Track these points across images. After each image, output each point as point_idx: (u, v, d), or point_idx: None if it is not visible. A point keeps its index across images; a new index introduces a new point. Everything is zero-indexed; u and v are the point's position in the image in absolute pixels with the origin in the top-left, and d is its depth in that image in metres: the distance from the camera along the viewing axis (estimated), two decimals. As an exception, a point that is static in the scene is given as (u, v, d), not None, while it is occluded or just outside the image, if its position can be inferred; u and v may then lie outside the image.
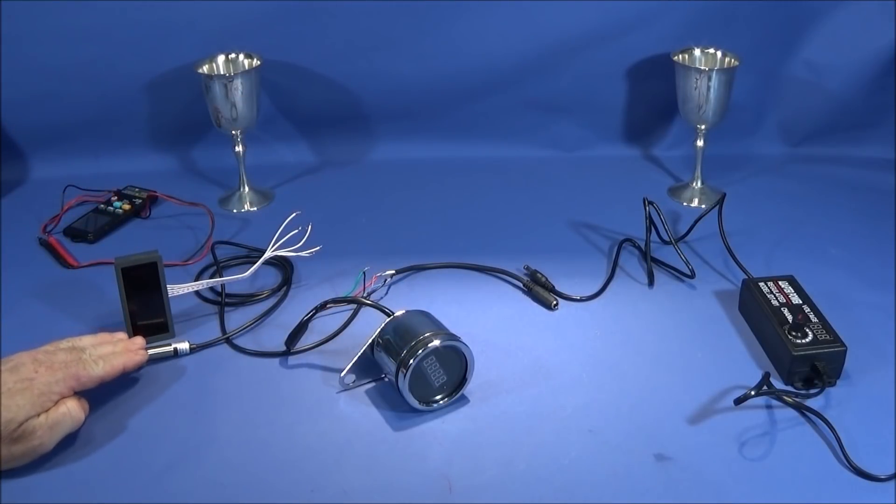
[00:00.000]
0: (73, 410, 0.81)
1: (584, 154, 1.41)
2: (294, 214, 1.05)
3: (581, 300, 1.05)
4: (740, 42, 1.26)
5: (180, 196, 1.24)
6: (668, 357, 0.95)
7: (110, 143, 1.35)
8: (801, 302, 0.96)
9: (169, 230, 1.20)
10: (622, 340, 0.98)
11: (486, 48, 1.32)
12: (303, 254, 1.02)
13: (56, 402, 0.79)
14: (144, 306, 0.95)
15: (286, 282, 1.07)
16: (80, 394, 0.82)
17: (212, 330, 0.99)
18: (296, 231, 1.03)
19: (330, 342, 0.97)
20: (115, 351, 0.87)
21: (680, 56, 1.25)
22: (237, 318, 1.01)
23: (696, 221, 1.14)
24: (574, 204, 1.26)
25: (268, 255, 1.02)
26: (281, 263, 1.10)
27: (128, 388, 0.90)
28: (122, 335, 0.91)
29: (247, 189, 1.27)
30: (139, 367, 0.90)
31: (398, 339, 0.86)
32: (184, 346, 0.94)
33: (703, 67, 1.25)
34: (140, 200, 1.24)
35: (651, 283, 1.08)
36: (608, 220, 1.21)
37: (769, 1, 1.30)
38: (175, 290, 0.96)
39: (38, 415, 0.78)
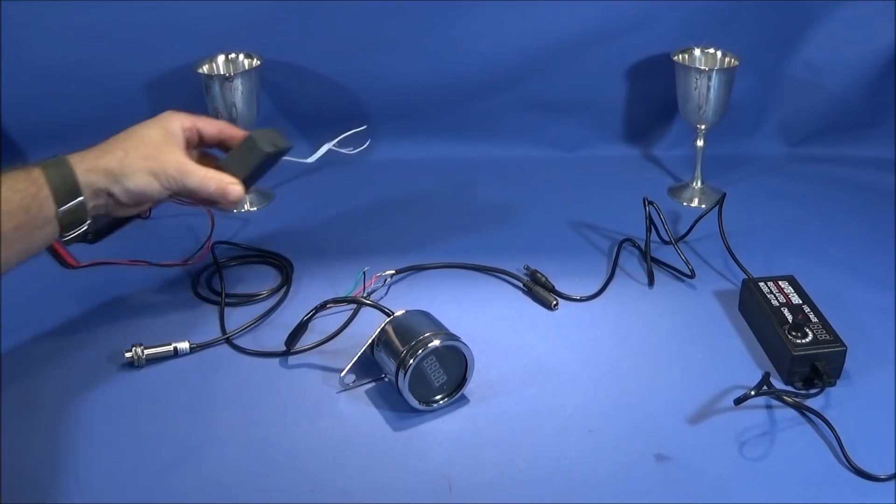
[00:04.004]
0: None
1: (584, 154, 1.41)
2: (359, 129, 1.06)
3: (581, 300, 1.05)
4: (740, 42, 1.26)
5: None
6: (668, 357, 0.95)
7: (110, 144, 1.35)
8: (801, 302, 0.96)
9: (169, 230, 1.20)
10: (622, 340, 0.98)
11: (486, 48, 1.32)
12: (345, 151, 1.04)
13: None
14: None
15: (286, 282, 1.07)
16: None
17: (212, 330, 0.99)
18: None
19: (330, 342, 0.97)
20: None
21: (680, 56, 1.25)
22: (237, 318, 1.01)
23: (696, 221, 1.14)
24: (574, 204, 1.26)
25: (327, 147, 1.04)
26: (281, 263, 1.10)
27: (128, 387, 0.90)
28: None
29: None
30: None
31: (398, 339, 0.86)
32: (184, 345, 0.94)
33: (703, 67, 1.25)
34: (140, 200, 1.23)
35: (651, 283, 1.08)
36: (608, 220, 1.21)
37: (769, 1, 1.30)
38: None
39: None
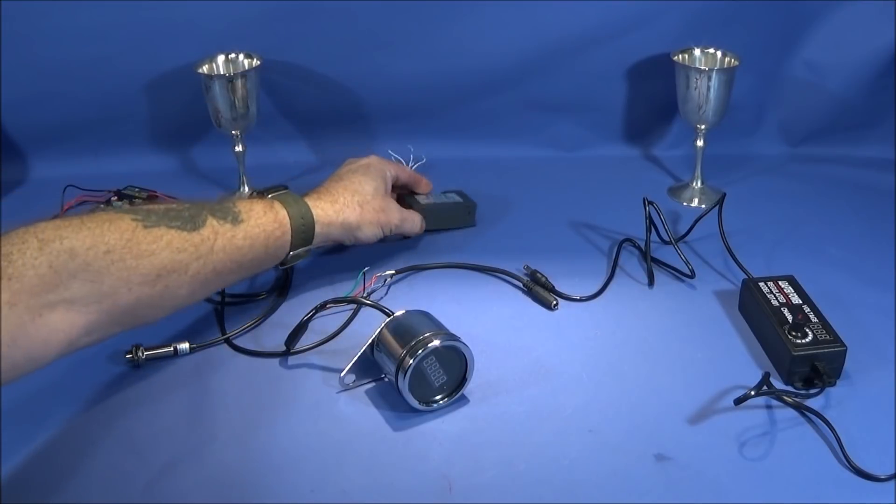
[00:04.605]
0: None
1: (584, 154, 1.41)
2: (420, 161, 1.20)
3: (581, 300, 1.05)
4: (740, 42, 1.26)
5: (180, 196, 1.24)
6: (668, 357, 0.95)
7: (110, 143, 1.35)
8: (801, 302, 0.96)
9: (169, 230, 1.20)
10: (622, 340, 0.98)
11: (486, 48, 1.32)
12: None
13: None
14: None
15: (286, 281, 1.07)
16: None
17: (212, 330, 0.99)
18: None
19: (330, 342, 0.97)
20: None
21: (680, 56, 1.25)
22: (237, 318, 1.01)
23: (696, 221, 1.14)
24: (574, 204, 1.26)
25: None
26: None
27: (128, 387, 0.90)
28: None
29: (246, 189, 1.27)
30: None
31: (398, 339, 0.86)
32: (184, 345, 0.94)
33: (703, 67, 1.25)
34: (140, 200, 1.23)
35: (651, 283, 1.08)
36: (608, 220, 1.21)
37: (769, 1, 1.30)
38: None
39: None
